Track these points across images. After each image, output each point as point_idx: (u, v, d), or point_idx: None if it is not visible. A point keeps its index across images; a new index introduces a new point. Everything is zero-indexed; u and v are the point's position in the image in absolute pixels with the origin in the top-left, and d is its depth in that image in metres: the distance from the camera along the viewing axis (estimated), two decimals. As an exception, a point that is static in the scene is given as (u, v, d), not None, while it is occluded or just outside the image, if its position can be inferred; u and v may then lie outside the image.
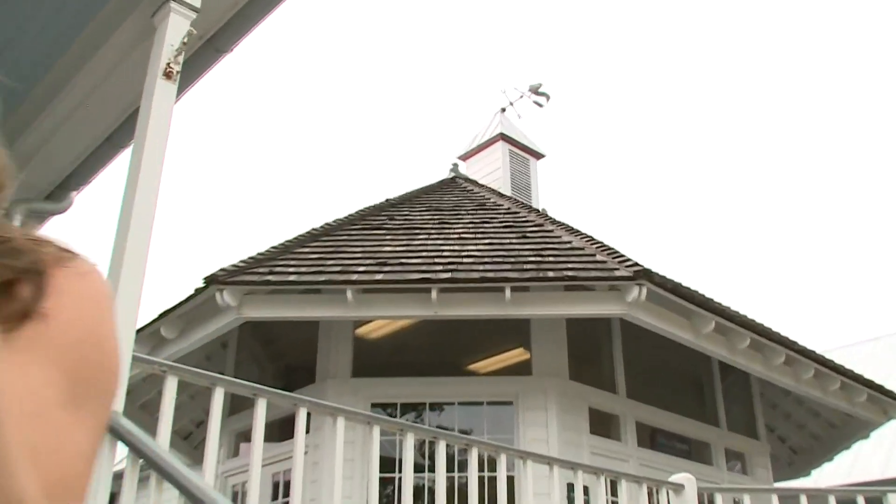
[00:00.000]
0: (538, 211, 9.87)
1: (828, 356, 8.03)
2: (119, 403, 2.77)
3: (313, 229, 7.69)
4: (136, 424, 2.73)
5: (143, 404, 7.96)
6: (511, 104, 11.92)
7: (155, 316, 6.65)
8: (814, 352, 7.62)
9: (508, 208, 8.68)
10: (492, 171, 10.92)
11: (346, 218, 8.17)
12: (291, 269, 6.36)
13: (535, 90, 11.81)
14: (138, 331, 4.93)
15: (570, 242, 7.10)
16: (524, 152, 11.34)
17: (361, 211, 8.49)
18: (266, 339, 8.08)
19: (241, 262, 6.49)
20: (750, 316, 7.21)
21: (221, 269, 6.18)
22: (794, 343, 7.35)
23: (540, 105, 11.85)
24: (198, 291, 6.26)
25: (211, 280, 6.06)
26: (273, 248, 7.01)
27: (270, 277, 6.17)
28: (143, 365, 3.22)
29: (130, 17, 3.28)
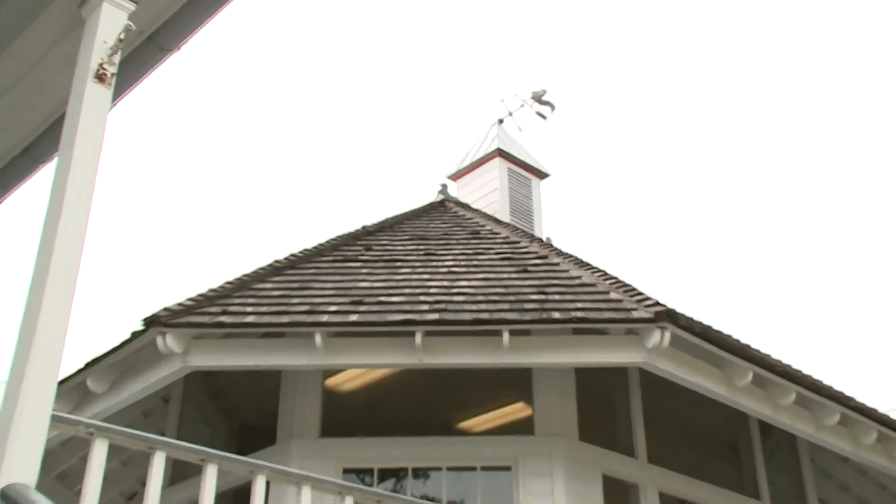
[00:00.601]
0: (541, 240, 9.88)
1: (895, 416, 7.96)
2: (31, 474, 2.69)
3: (276, 262, 7.66)
4: (52, 500, 2.65)
5: (61, 474, 7.80)
6: (510, 114, 12.01)
7: (80, 365, 6.55)
8: (876, 410, 7.54)
9: (507, 237, 8.68)
10: (487, 194, 10.95)
11: (315, 248, 8.16)
12: (249, 309, 6.32)
13: (538, 98, 11.89)
14: (59, 383, 4.84)
15: (579, 278, 7.09)
16: (525, 171, 11.38)
17: (333, 240, 8.48)
18: (217, 392, 8.00)
19: (189, 300, 6.44)
20: (795, 366, 7.17)
21: (165, 309, 6.13)
22: (851, 399, 7.29)
23: (543, 116, 11.94)
24: (135, 335, 6.19)
25: (151, 321, 6.00)
26: (228, 283, 6.98)
27: (224, 318, 6.12)
28: (63, 426, 3.15)
29: (52, 5, 3.26)
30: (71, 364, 6.71)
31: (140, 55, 3.71)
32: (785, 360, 7.21)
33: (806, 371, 7.20)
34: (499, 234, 8.85)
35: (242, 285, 6.92)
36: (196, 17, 3.72)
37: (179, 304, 6.29)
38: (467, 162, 11.49)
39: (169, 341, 5.92)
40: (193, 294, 6.61)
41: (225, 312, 6.22)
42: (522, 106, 11.99)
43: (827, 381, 7.33)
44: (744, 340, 6.93)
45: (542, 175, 11.61)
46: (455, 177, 11.55)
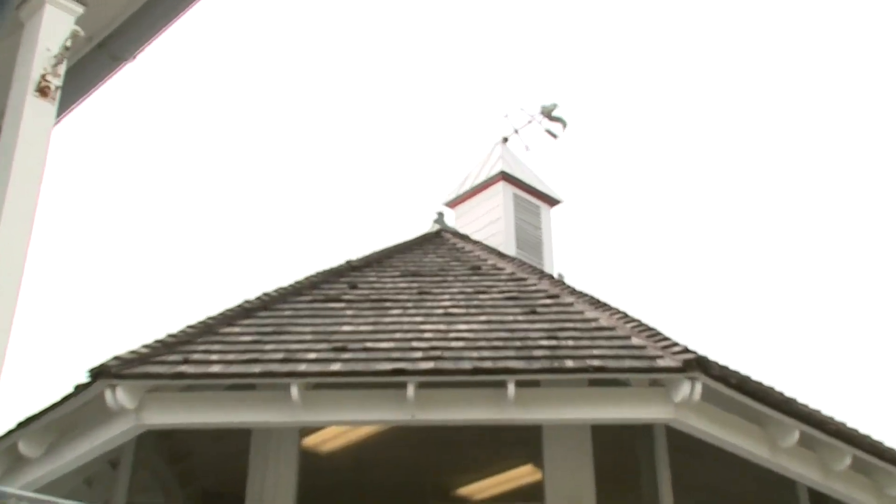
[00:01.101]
0: (552, 277, 9.87)
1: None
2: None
3: (247, 302, 7.66)
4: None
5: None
6: (516, 132, 12.07)
7: (12, 425, 6.49)
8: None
9: (512, 273, 8.69)
10: (490, 223, 10.97)
11: (291, 287, 8.16)
12: (215, 357, 6.32)
13: (547, 113, 11.96)
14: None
15: (595, 320, 7.10)
16: (533, 197, 11.42)
17: (313, 277, 8.48)
18: (175, 454, 7.96)
19: (144, 346, 6.43)
20: (851, 424, 7.12)
21: (115, 358, 6.11)
22: (920, 465, 7.23)
23: (554, 135, 12.00)
24: (79, 389, 6.16)
25: (99, 372, 5.97)
26: (190, 327, 6.98)
27: (185, 368, 6.11)
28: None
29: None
30: (0, 424, 6.66)
31: (90, 65, 3.71)
32: (838, 418, 7.16)
33: (864, 430, 7.14)
34: (503, 269, 8.86)
35: (207, 329, 6.91)
36: (153, 24, 3.73)
37: (132, 352, 6.27)
38: (467, 187, 11.53)
39: (119, 395, 5.89)
40: (149, 340, 6.59)
41: (186, 361, 6.21)
42: (530, 122, 12.07)
43: (890, 442, 7.27)
44: (788, 393, 6.90)
45: (552, 202, 11.64)
46: (453, 204, 11.58)
